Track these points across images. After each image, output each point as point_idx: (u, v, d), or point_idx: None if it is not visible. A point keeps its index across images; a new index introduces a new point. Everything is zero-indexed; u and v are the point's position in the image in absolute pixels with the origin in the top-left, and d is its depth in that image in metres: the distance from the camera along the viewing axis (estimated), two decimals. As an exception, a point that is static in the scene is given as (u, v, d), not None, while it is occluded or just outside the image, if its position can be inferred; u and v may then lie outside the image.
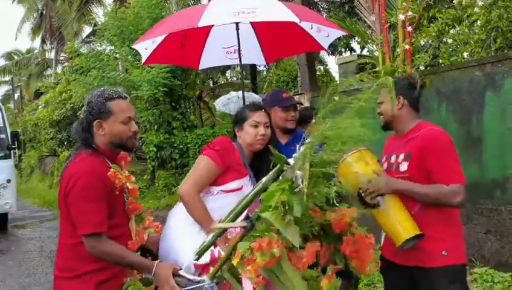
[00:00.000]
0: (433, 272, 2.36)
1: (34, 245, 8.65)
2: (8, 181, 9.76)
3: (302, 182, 1.76)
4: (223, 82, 20.13)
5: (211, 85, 18.51)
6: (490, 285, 4.08)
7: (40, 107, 20.74)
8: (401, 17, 5.10)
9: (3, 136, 9.93)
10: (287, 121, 3.11)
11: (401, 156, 2.52)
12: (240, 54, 3.39)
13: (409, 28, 5.11)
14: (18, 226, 11.01)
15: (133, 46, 3.83)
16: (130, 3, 14.58)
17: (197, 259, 2.09)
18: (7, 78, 34.03)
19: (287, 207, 1.72)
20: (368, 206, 2.45)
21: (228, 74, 21.81)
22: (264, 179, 1.92)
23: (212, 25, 3.35)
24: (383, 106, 2.55)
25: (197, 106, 15.07)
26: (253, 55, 3.81)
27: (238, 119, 2.59)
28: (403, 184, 2.41)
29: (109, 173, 2.10)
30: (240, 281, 1.92)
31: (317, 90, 7.11)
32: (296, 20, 2.85)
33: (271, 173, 1.92)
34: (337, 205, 2.05)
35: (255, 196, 1.93)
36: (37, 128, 21.56)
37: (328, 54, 16.40)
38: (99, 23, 14.88)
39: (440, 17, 5.04)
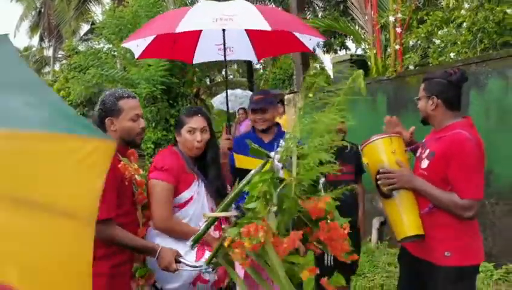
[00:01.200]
0: (436, 270, 2.43)
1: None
2: None
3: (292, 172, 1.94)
4: (219, 80, 20.30)
5: (208, 83, 18.68)
6: (473, 275, 4.27)
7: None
8: (391, 18, 5.29)
9: None
10: (256, 122, 3.21)
11: (427, 152, 2.53)
12: (225, 53, 3.52)
13: (398, 30, 5.30)
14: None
15: (124, 45, 3.96)
16: (128, 2, 14.71)
17: (192, 246, 2.26)
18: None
19: (268, 197, 1.88)
20: (381, 193, 2.54)
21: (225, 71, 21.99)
22: (252, 172, 2.07)
23: None
24: (420, 102, 2.58)
25: (194, 103, 15.23)
26: (245, 51, 3.92)
27: (177, 124, 2.67)
28: (421, 183, 2.44)
29: (120, 165, 2.28)
30: (233, 266, 2.07)
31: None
32: (267, 29, 2.97)
33: (258, 166, 2.03)
34: (323, 193, 2.24)
35: (243, 187, 2.08)
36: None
37: (324, 53, 16.57)
38: (97, 21, 15.00)
39: (429, 19, 5.22)
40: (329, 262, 3.42)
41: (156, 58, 9.23)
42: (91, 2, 23.94)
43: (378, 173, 2.51)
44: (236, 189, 2.10)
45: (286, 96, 7.23)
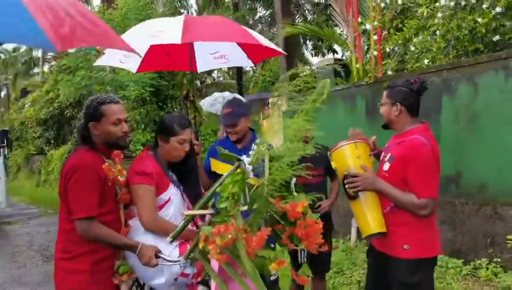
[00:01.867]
0: (396, 262, 2.65)
1: (23, 240, 8.88)
2: None
3: (262, 174, 2.14)
4: (210, 82, 20.46)
5: (199, 85, 18.83)
6: (444, 270, 4.51)
7: (26, 106, 20.75)
8: (368, 26, 5.51)
9: None
10: (228, 133, 3.35)
11: (388, 155, 2.73)
12: (195, 64, 3.66)
13: (375, 37, 5.52)
14: (7, 222, 11.20)
15: (97, 64, 4.07)
16: (117, 4, 14.83)
17: (171, 241, 2.45)
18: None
19: (236, 197, 2.08)
20: (348, 195, 2.76)
21: (215, 74, 22.19)
22: (225, 175, 2.25)
23: None
24: (383, 108, 2.78)
25: (184, 105, 15.37)
26: (239, 58, 4.02)
27: (166, 130, 2.76)
28: (382, 185, 2.66)
29: (104, 166, 2.44)
30: (208, 261, 2.26)
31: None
32: (177, 42, 3.02)
33: (231, 169, 2.21)
34: (295, 193, 2.45)
35: (216, 188, 2.25)
36: (24, 127, 21.50)
37: (312, 56, 16.83)
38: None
39: (405, 27, 5.45)
40: (302, 259, 3.62)
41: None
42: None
43: (345, 176, 2.73)
44: (211, 190, 2.30)
45: (270, 100, 7.43)
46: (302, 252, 3.63)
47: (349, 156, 2.78)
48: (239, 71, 17.92)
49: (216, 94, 10.30)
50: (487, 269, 4.27)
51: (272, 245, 2.59)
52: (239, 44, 3.81)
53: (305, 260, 3.62)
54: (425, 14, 5.21)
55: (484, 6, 4.68)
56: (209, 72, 16.43)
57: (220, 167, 3.30)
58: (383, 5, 5.53)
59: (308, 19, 15.29)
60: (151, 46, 3.63)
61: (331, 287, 4.69)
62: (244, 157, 2.19)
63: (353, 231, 5.93)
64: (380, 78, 5.54)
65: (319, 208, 3.53)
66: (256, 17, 16.79)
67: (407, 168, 2.59)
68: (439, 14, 4.99)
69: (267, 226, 2.41)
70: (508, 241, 4.16)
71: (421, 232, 2.62)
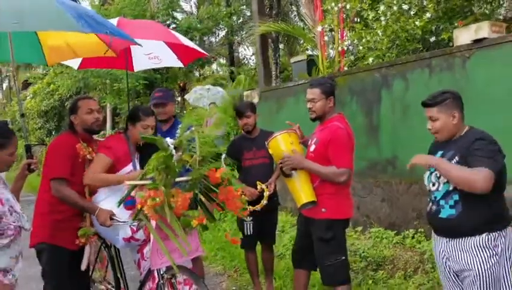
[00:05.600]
0: (316, 222, 3.41)
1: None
2: None
3: (178, 150, 2.83)
4: (208, 74, 21.06)
5: (197, 76, 19.42)
6: (380, 240, 5.23)
7: (28, 97, 21.37)
8: (319, 28, 6.20)
9: None
10: (158, 114, 3.80)
11: (314, 140, 3.43)
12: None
13: (326, 38, 6.22)
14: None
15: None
16: (113, 0, 15.45)
17: (118, 205, 3.05)
18: (-5, 68, 34.48)
19: (159, 169, 2.75)
20: (283, 174, 3.48)
21: (214, 66, 22.84)
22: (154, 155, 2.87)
23: None
24: (317, 104, 3.35)
25: (180, 96, 16.04)
26: (170, 59, 4.38)
27: (133, 117, 3.40)
28: (309, 164, 3.33)
29: (77, 146, 3.26)
30: (149, 220, 2.88)
31: (269, 86, 8.24)
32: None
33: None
34: (224, 166, 3.15)
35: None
36: (25, 118, 22.09)
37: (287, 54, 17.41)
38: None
39: (356, 29, 6.15)
40: (248, 231, 4.29)
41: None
42: (79, -2, 24.52)
43: (281, 162, 3.44)
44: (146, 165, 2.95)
45: (245, 93, 8.13)
46: (248, 225, 4.32)
47: (282, 144, 3.48)
48: (232, 64, 18.61)
49: (197, 88, 10.97)
50: (413, 237, 4.99)
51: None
52: (169, 46, 4.25)
53: (251, 232, 4.28)
54: (370, 18, 5.90)
55: (412, 13, 5.38)
56: (202, 65, 17.08)
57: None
58: (336, 8, 6.18)
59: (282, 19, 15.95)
60: None
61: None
62: (168, 139, 2.87)
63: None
64: (334, 74, 6.23)
65: (269, 187, 4.20)
66: (248, 14, 17.36)
67: (329, 147, 3.29)
68: (382, 18, 5.67)
69: (202, 193, 3.14)
70: (430, 214, 4.87)
71: (336, 199, 3.37)
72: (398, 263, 4.66)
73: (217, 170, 3.00)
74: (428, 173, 2.76)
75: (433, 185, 2.69)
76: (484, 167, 2.37)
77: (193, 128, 3.01)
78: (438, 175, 2.63)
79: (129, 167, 3.35)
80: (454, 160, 2.55)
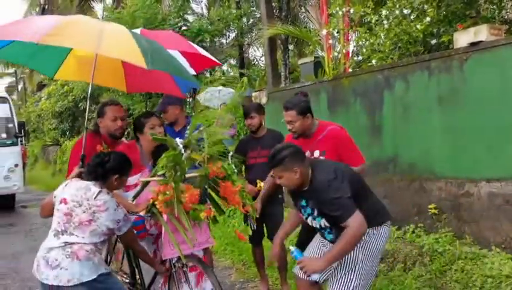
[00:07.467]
0: None
1: (39, 220, 9.88)
2: (16, 165, 10.93)
3: (187, 149, 3.08)
4: (219, 75, 21.33)
5: (209, 75, 19.69)
6: (381, 235, 5.44)
7: (42, 99, 21.74)
8: (324, 32, 6.44)
9: (11, 125, 11.08)
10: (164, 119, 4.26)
11: (316, 152, 3.42)
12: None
13: (330, 41, 6.45)
14: (24, 206, 12.31)
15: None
16: (126, 4, 15.73)
17: (133, 200, 3.31)
18: (11, 70, 34.97)
19: (168, 167, 2.97)
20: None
21: (225, 67, 23.12)
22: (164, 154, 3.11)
23: None
24: (296, 125, 3.40)
25: (190, 98, 16.33)
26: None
27: (137, 125, 3.55)
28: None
29: (97, 146, 3.56)
30: (161, 214, 3.13)
31: (277, 87, 8.49)
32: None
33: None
34: (230, 163, 3.39)
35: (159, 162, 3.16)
36: (40, 119, 22.34)
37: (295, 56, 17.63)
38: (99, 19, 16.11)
39: (359, 31, 6.37)
40: (252, 226, 4.47)
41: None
42: (93, 0, 24.95)
43: None
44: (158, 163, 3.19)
45: (253, 94, 8.37)
46: (251, 219, 4.50)
47: None
48: (242, 66, 18.88)
49: (210, 89, 11.25)
50: (413, 232, 5.20)
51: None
52: (182, 54, 4.41)
53: (254, 227, 4.38)
54: (373, 21, 6.12)
55: (412, 17, 5.60)
56: (219, 66, 17.31)
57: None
58: (340, 13, 6.41)
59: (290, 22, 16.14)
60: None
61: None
62: (177, 139, 3.12)
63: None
64: (338, 76, 6.46)
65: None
66: (259, 15, 17.60)
67: (340, 151, 3.38)
68: (385, 21, 5.89)
69: (211, 188, 3.38)
70: (429, 209, 5.09)
71: None
72: (398, 256, 4.88)
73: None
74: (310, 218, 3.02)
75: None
76: (347, 218, 2.65)
77: (201, 128, 3.25)
78: (313, 217, 2.95)
79: (137, 176, 3.46)
80: (315, 213, 2.90)
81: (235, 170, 3.51)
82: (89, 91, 3.63)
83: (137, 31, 4.17)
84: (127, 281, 3.94)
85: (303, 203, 2.98)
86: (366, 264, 2.88)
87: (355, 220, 2.63)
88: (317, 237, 3.22)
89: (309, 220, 3.01)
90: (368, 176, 5.75)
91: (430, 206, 5.10)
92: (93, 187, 2.88)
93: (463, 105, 4.85)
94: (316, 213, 2.91)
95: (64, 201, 2.87)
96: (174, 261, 3.34)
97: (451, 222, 4.94)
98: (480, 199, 4.67)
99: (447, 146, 5.04)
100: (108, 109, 3.64)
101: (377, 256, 2.97)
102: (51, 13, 27.96)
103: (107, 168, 2.92)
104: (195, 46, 4.41)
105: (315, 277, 2.67)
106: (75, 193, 2.87)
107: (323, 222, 2.89)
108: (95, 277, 2.81)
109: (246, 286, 5.00)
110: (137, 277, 3.90)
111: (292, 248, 2.93)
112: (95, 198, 2.83)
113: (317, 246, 3.18)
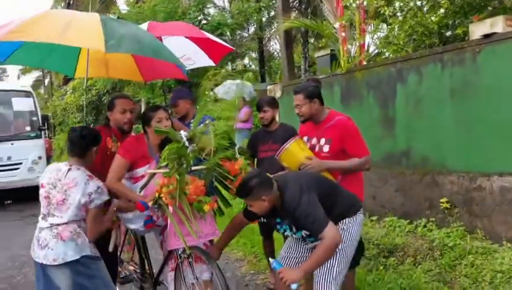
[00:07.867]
0: None
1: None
2: (39, 158, 11.17)
3: (192, 142, 3.13)
4: (240, 68, 21.37)
5: (230, 71, 19.76)
6: (392, 229, 5.43)
7: (68, 93, 22.13)
8: (337, 25, 6.40)
9: (35, 118, 11.35)
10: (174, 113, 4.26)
11: (322, 140, 3.44)
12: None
13: (343, 34, 6.41)
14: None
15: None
16: (146, -2, 15.89)
17: (140, 191, 3.36)
18: (38, 65, 35.61)
19: (171, 159, 3.02)
20: None
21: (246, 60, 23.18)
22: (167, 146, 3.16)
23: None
24: (303, 108, 3.45)
25: (210, 90, 16.43)
26: (202, 59, 4.59)
27: (145, 119, 3.50)
28: (332, 163, 3.36)
29: (107, 139, 3.64)
30: (167, 206, 3.15)
31: (293, 80, 8.48)
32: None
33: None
34: (239, 156, 3.43)
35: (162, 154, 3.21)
36: (65, 113, 22.76)
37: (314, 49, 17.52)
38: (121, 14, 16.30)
39: (374, 24, 6.32)
40: (262, 219, 4.50)
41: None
42: (117, -5, 25.22)
43: (299, 169, 3.37)
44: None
45: (268, 87, 8.37)
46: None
47: (295, 153, 3.43)
48: (261, 59, 18.89)
49: (227, 82, 11.31)
50: (425, 226, 5.17)
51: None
52: (197, 44, 4.49)
53: (264, 219, 4.46)
54: (386, 13, 6.06)
55: (425, 9, 5.52)
56: (233, 59, 17.36)
57: None
58: (354, 5, 6.37)
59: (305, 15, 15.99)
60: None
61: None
62: (181, 132, 3.17)
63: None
64: (351, 69, 6.43)
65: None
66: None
67: (345, 141, 3.37)
68: (399, 13, 5.83)
69: (218, 181, 3.44)
70: (441, 203, 5.04)
71: (358, 185, 3.47)
72: (408, 250, 4.85)
73: (231, 161, 3.32)
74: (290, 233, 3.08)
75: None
76: (322, 230, 2.69)
77: (207, 121, 3.30)
78: (293, 232, 3.03)
79: (145, 168, 3.48)
80: (294, 229, 2.98)
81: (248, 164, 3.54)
82: (85, 85, 3.76)
83: (145, 25, 4.23)
84: (138, 270, 4.05)
85: (278, 220, 3.06)
86: (346, 251, 2.96)
87: (330, 231, 2.69)
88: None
89: (288, 234, 3.10)
90: (381, 169, 5.78)
91: (442, 201, 5.05)
92: (63, 167, 3.11)
93: (476, 98, 4.79)
94: (294, 229, 2.99)
95: (42, 186, 3.13)
96: (179, 252, 3.41)
97: (463, 216, 4.89)
98: (493, 193, 4.61)
99: (460, 139, 4.98)
100: (117, 102, 3.73)
101: (355, 242, 3.05)
102: (76, 8, 28.40)
103: (87, 141, 3.16)
104: (202, 31, 4.46)
105: (294, 286, 2.74)
106: (49, 176, 3.11)
107: (304, 232, 2.96)
108: (78, 257, 2.98)
109: (256, 277, 5.05)
110: (147, 267, 4.00)
111: (271, 260, 3.00)
112: (65, 177, 3.04)
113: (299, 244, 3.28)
